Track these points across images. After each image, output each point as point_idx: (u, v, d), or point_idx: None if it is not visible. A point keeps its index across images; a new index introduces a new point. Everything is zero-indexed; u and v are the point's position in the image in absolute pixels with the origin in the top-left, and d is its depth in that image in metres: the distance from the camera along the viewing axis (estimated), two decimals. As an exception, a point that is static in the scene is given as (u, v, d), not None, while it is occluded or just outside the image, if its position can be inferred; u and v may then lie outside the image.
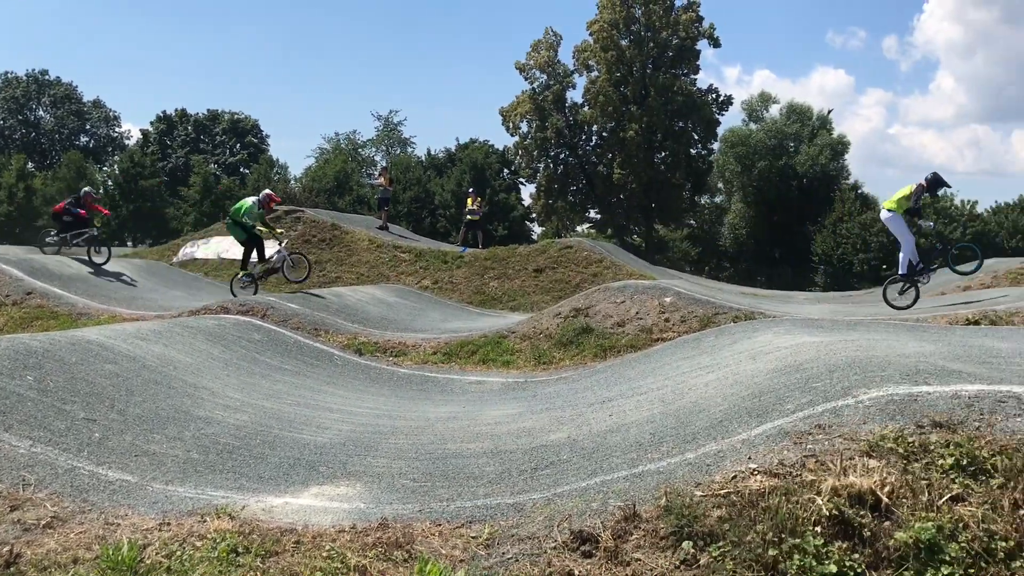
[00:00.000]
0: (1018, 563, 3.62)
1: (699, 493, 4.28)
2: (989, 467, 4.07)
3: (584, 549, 4.15)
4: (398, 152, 70.21)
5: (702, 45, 53.99)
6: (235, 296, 15.83)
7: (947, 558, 3.60)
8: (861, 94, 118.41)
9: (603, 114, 52.42)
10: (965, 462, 4.10)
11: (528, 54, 54.97)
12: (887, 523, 3.81)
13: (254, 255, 16.69)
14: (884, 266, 39.15)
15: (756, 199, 54.78)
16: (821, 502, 3.90)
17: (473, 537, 4.51)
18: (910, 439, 4.32)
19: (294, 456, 6.39)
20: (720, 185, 60.74)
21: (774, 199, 53.05)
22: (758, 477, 4.27)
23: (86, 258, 20.07)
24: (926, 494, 3.93)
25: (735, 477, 4.35)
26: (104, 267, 19.88)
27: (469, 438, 6.93)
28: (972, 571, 3.59)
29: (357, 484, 5.68)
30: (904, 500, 3.92)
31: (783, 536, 3.80)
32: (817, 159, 52.44)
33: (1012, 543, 3.69)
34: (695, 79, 54.25)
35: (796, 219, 50.33)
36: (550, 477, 5.40)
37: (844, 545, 3.74)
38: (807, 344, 7.35)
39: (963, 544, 3.66)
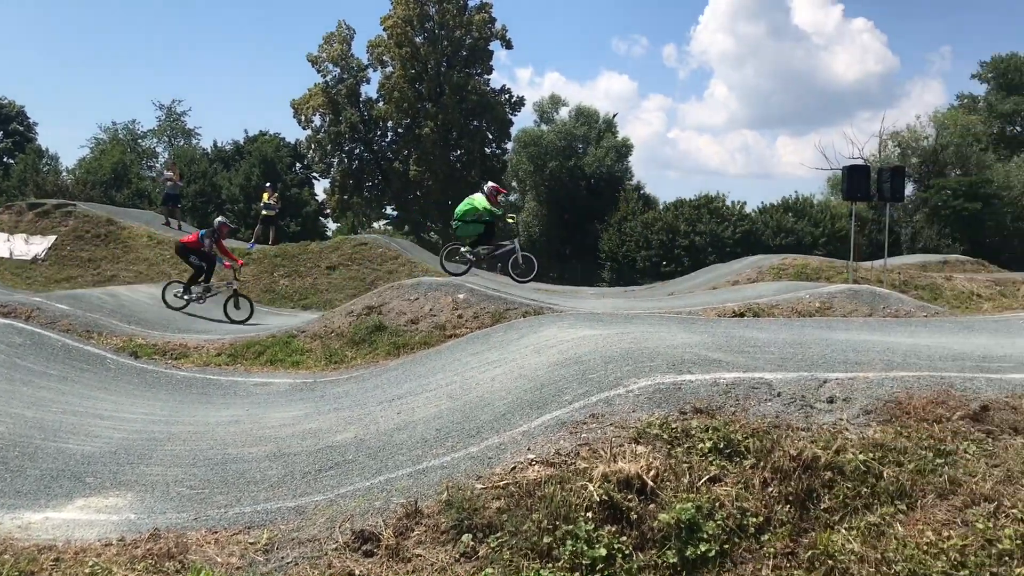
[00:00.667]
0: (767, 536, 3.94)
1: (480, 486, 4.36)
2: (743, 449, 4.40)
3: (366, 548, 4.13)
4: (182, 143, 66.45)
5: (495, 46, 54.87)
6: (447, 272, 15.10)
7: (705, 536, 3.87)
8: (644, 99, 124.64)
9: (398, 110, 52.17)
10: (722, 445, 4.42)
11: (320, 46, 53.79)
12: (652, 505, 4.04)
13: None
14: (664, 263, 41.52)
15: (548, 198, 56.44)
16: (592, 488, 4.08)
17: (251, 543, 4.38)
18: (674, 425, 4.60)
19: (58, 467, 5.94)
20: (514, 184, 62.11)
21: (565, 198, 54.86)
22: (536, 467, 4.40)
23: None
24: (687, 476, 4.20)
25: (514, 468, 4.46)
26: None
27: (251, 442, 6.70)
28: (727, 547, 3.87)
29: (128, 494, 5.37)
30: (668, 483, 4.17)
31: (557, 523, 3.93)
32: (603, 160, 54.77)
33: (762, 519, 4.01)
34: (488, 79, 55.09)
35: (585, 217, 52.26)
36: (334, 478, 5.32)
37: (613, 529, 3.93)
38: (587, 337, 7.64)
39: (719, 522, 3.94)
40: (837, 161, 46.29)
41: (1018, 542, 3.85)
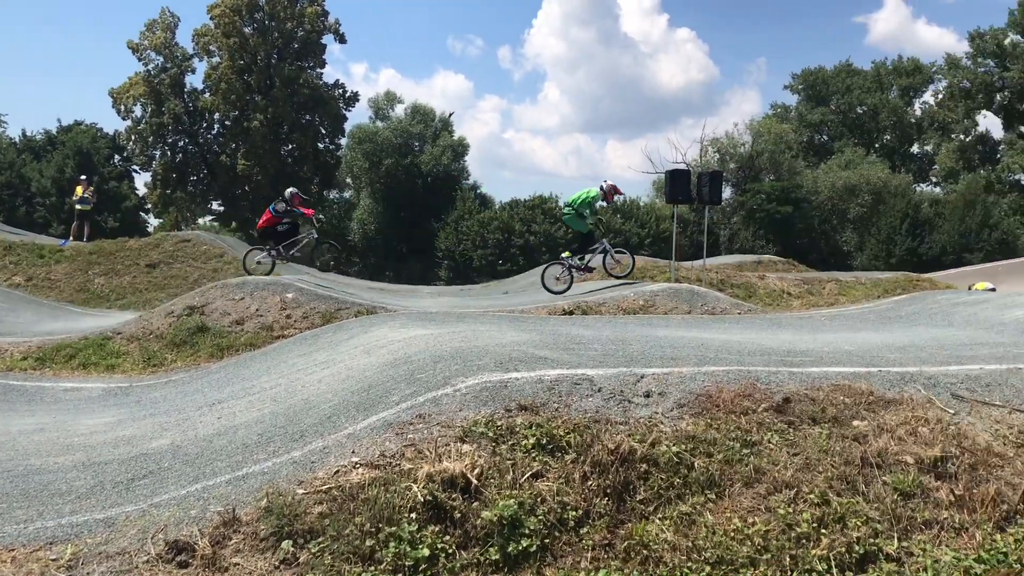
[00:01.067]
0: (585, 529, 4.06)
1: (301, 491, 4.26)
2: (564, 444, 4.51)
3: (180, 559, 3.95)
4: (-15, 131, 61.50)
5: (328, 40, 53.90)
6: (552, 291, 14.77)
7: (526, 531, 3.93)
8: (480, 99, 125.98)
9: (226, 102, 50.30)
10: (545, 441, 4.51)
11: (142, 33, 51.09)
12: (476, 503, 4.07)
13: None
14: (500, 261, 42.06)
15: (384, 195, 56.02)
16: (417, 489, 4.06)
17: (53, 559, 4.09)
18: (499, 423, 4.66)
19: None
20: (349, 180, 61.25)
21: (401, 196, 54.60)
22: (360, 470, 4.35)
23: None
24: (511, 473, 4.26)
25: (338, 472, 4.39)
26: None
27: (58, 451, 6.27)
28: (548, 541, 3.95)
29: (-93, 516, 4.89)
30: (492, 480, 4.21)
31: (380, 526, 3.90)
32: (440, 159, 54.92)
33: (581, 512, 4.12)
34: (321, 73, 54.09)
35: (422, 216, 52.25)
36: (148, 487, 5.05)
37: (437, 528, 3.93)
38: (418, 337, 7.63)
39: (540, 517, 4.02)
40: (662, 165, 48.30)
41: (815, 525, 4.14)
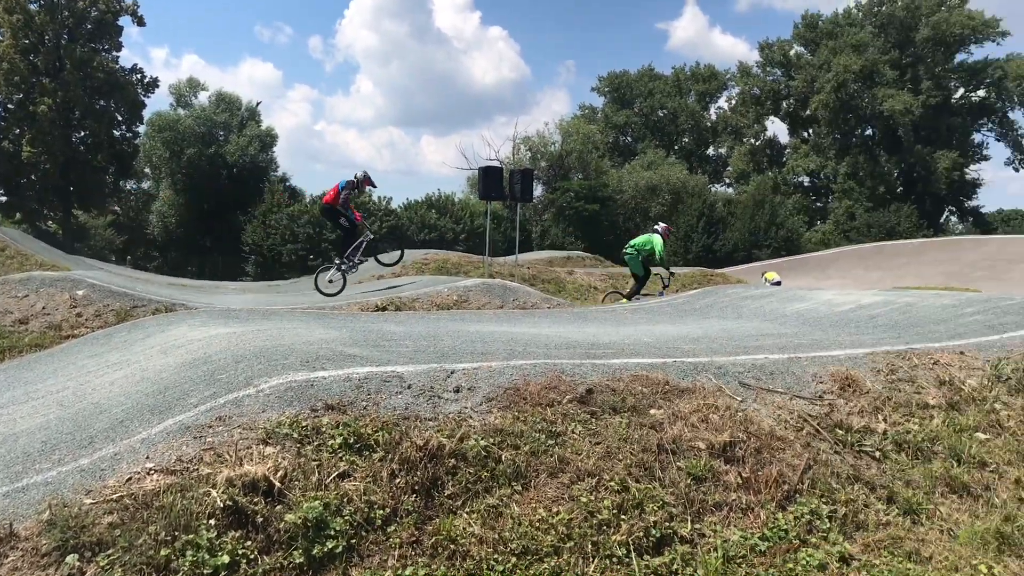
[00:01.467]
0: (393, 527, 4.03)
1: (89, 501, 3.99)
2: (372, 442, 4.46)
3: (-54, 584, 3.61)
4: None
5: (125, 21, 50.83)
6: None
7: (332, 532, 3.86)
8: (289, 89, 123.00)
9: (8, 84, 46.31)
10: (352, 440, 4.44)
11: (-93, 5, 46.21)
12: (280, 507, 3.95)
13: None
14: (311, 256, 41.13)
15: (186, 186, 53.58)
16: (216, 494, 3.90)
17: None
18: (304, 423, 4.54)
19: None
20: (147, 170, 58.08)
21: (204, 187, 52.40)
22: (154, 476, 4.12)
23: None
24: (316, 474, 4.17)
25: (130, 479, 4.14)
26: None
27: None
28: (354, 541, 3.90)
29: None
30: (297, 482, 4.10)
31: (177, 534, 3.71)
32: (247, 149, 53.14)
33: (389, 510, 4.10)
34: (118, 56, 50.91)
35: (228, 208, 50.31)
36: (-91, 506, 4.57)
37: (238, 534, 3.78)
38: (220, 336, 7.33)
39: (347, 517, 3.96)
40: (476, 162, 48.99)
41: (615, 512, 4.32)
